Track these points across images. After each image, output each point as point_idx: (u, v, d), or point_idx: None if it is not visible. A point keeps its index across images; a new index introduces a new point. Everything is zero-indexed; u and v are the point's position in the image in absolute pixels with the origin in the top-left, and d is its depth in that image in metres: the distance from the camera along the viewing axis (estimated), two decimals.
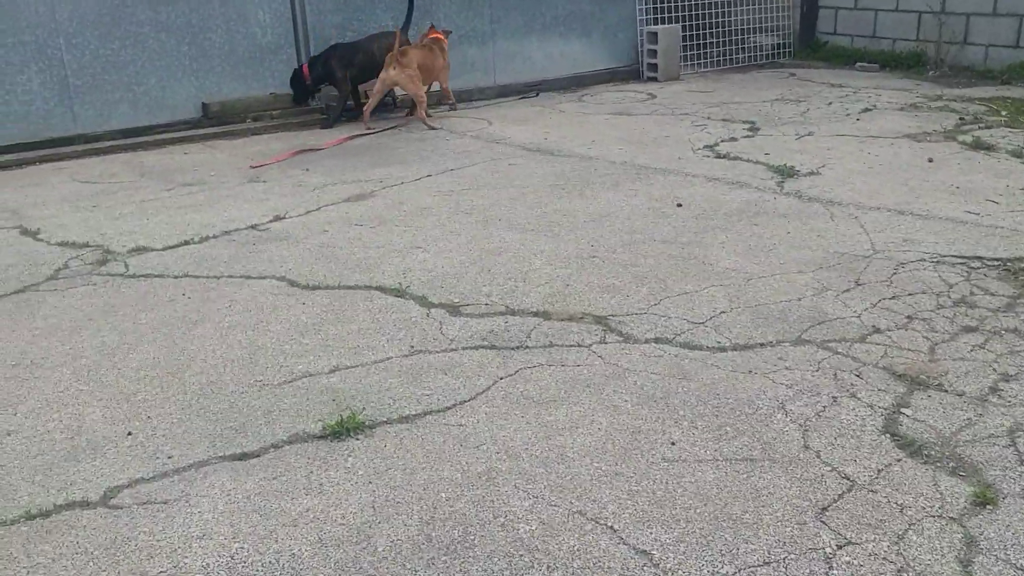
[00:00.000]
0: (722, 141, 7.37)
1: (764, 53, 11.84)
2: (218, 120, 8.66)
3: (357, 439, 3.18)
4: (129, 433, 3.25)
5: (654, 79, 10.76)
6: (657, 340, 3.85)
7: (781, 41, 11.89)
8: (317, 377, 3.62)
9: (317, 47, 9.02)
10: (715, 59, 11.44)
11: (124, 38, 8.32)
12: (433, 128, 8.39)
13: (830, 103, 8.82)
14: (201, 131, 8.48)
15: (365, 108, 8.63)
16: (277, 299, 4.42)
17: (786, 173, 6.31)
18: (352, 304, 4.32)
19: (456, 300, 4.31)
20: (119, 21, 8.28)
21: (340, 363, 3.72)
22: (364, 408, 3.35)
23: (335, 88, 8.75)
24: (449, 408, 3.36)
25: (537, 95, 9.98)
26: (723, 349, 3.77)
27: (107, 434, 3.25)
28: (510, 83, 10.29)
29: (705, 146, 7.24)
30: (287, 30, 9.07)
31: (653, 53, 10.80)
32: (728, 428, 3.20)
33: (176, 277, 4.76)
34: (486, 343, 3.86)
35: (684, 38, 11.10)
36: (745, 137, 7.51)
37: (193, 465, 3.06)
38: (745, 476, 2.92)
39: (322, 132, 8.46)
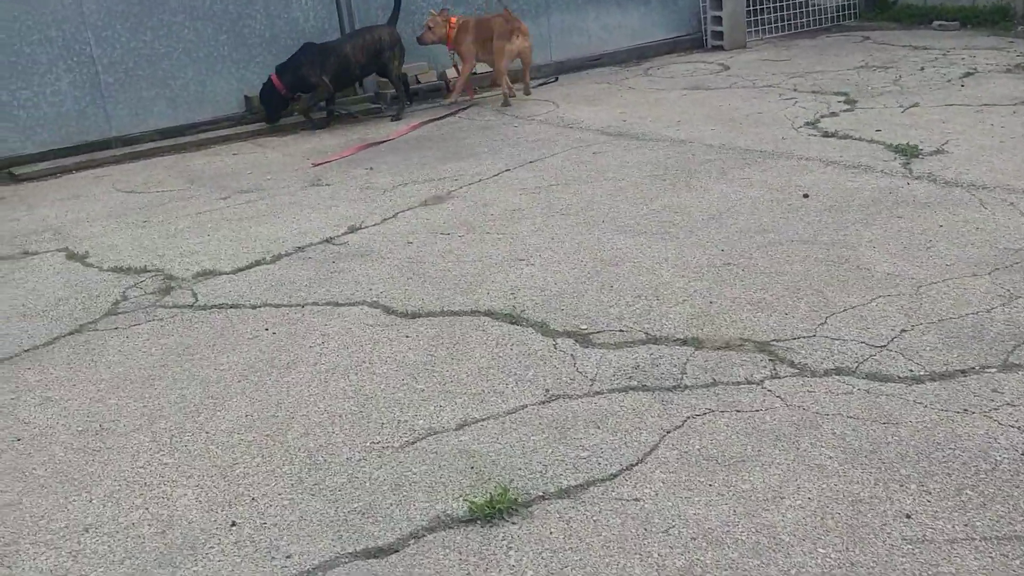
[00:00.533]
0: (822, 117, 6.68)
1: (828, 16, 11.06)
2: (263, 115, 8.03)
3: (513, 523, 2.58)
4: (233, 523, 2.66)
5: (719, 48, 10.04)
6: (839, 371, 3.23)
7: (846, 2, 11.11)
8: (444, 436, 3.02)
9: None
10: (777, 24, 10.68)
11: (157, 29, 7.72)
12: (503, 108, 7.76)
13: (922, 68, 8.09)
14: (247, 128, 7.87)
15: (458, 83, 8.31)
16: (375, 331, 3.82)
17: (908, 153, 5.63)
18: (463, 335, 3.72)
19: (583, 326, 3.69)
20: (150, 10, 7.68)
21: (467, 415, 3.12)
22: (511, 479, 2.75)
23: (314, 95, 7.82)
24: (615, 475, 2.75)
25: (556, 80, 9.18)
26: (920, 380, 3.14)
27: (205, 525, 2.67)
28: (568, 59, 9.60)
29: (806, 123, 6.56)
30: (330, 13, 8.43)
31: (717, 20, 10.08)
32: (970, 492, 2.57)
33: (254, 307, 4.17)
34: (635, 383, 3.25)
35: (746, 2, 10.36)
36: (845, 111, 6.81)
37: (320, 567, 2.47)
38: (1020, 562, 2.30)
39: (377, 123, 7.83)
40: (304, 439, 3.06)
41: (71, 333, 4.08)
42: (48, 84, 7.39)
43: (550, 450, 2.89)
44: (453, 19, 8.10)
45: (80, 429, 3.25)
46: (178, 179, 6.58)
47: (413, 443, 2.99)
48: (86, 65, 7.48)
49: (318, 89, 7.71)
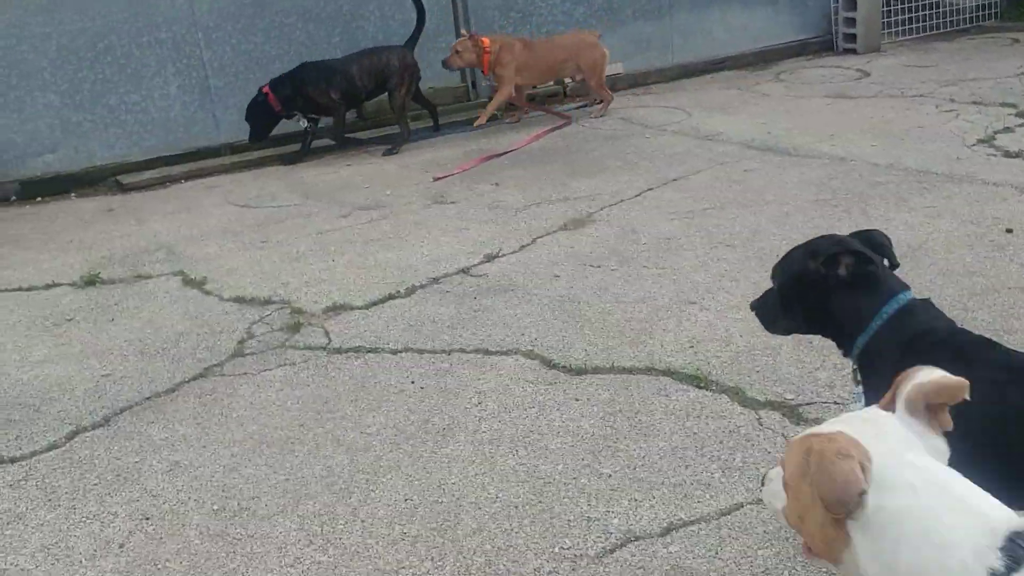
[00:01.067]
0: (996, 133, 5.99)
1: (966, 16, 10.23)
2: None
3: None
4: None
5: (852, 51, 9.32)
6: None
7: (985, 1, 10.27)
8: (648, 544, 2.51)
9: (480, 30, 7.89)
10: (911, 26, 9.90)
11: (268, 30, 7.36)
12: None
13: None
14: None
15: (487, 108, 7.29)
16: (537, 391, 3.33)
17: None
18: (643, 401, 3.20)
19: (788, 396, 3.15)
20: (261, 11, 7.33)
21: (672, 516, 2.61)
22: None
23: (328, 115, 7.08)
24: None
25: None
26: None
27: None
28: (690, 62, 9.00)
29: (979, 140, 5.88)
30: (446, 14, 7.98)
31: (850, 22, 9.37)
32: None
33: (394, 352, 3.72)
34: None
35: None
36: (1021, 126, 6.11)
37: None
38: None
39: (491, 132, 7.35)
40: (478, 538, 2.58)
41: (195, 378, 3.68)
42: (157, 88, 7.09)
43: (787, 573, 2.36)
44: (486, 41, 7.12)
45: (216, 508, 2.83)
46: (292, 192, 6.19)
47: (612, 552, 2.49)
48: (196, 68, 7.17)
49: (336, 110, 6.97)
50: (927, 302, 2.09)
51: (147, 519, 2.80)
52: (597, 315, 3.90)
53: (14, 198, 6.71)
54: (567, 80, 8.17)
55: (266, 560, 2.58)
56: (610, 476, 2.81)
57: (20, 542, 2.74)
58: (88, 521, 2.81)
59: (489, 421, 3.17)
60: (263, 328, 4.07)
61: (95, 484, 3.00)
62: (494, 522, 2.64)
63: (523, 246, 4.78)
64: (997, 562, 1.12)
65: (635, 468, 2.84)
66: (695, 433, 2.99)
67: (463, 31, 7.49)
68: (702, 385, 3.27)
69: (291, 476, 2.96)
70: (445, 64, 7.21)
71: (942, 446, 1.30)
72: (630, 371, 3.42)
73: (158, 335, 4.10)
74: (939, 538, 1.16)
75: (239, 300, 4.40)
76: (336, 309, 4.20)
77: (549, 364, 3.52)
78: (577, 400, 3.25)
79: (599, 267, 4.41)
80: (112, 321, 4.29)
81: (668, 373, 3.37)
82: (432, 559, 2.52)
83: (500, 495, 2.76)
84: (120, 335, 4.13)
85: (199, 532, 2.72)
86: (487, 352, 3.66)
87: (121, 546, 2.69)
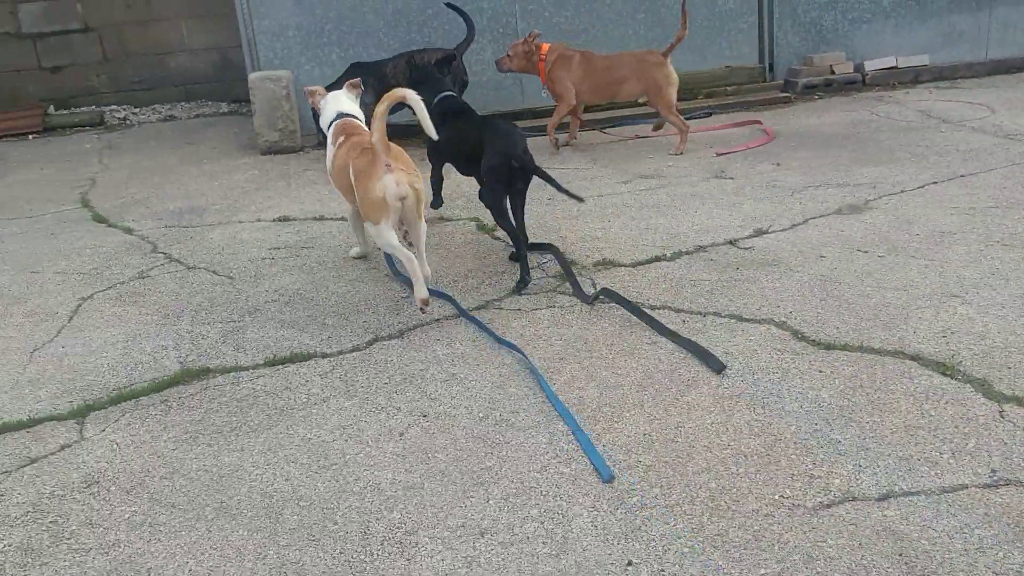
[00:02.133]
0: None
1: None
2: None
3: None
4: (629, 563, 2.50)
5: None
6: None
7: None
8: (864, 505, 2.65)
9: (782, 14, 7.92)
10: None
11: (578, 5, 7.81)
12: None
13: None
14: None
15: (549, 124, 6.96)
16: (783, 358, 3.51)
17: None
18: (884, 380, 3.30)
19: None
20: None
21: (892, 484, 2.73)
22: None
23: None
24: None
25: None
26: None
27: (600, 557, 2.53)
28: (1007, 58, 8.49)
29: None
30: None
31: None
32: None
33: (652, 308, 4.01)
34: None
35: None
36: None
37: None
38: None
39: (784, 112, 7.38)
40: (705, 476, 2.84)
41: (477, 308, 4.17)
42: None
43: (1002, 554, 2.44)
44: (545, 46, 6.76)
45: (481, 416, 3.27)
46: (582, 157, 6.60)
47: (828, 507, 2.66)
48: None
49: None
50: None
51: (424, 416, 3.29)
52: (855, 297, 3.98)
53: None
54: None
55: (517, 464, 2.98)
56: (839, 442, 2.96)
57: (323, 419, 3.32)
58: (377, 411, 3.35)
59: (732, 379, 3.40)
60: (539, 273, 4.50)
61: (385, 383, 3.54)
62: (722, 465, 2.89)
63: (794, 225, 4.90)
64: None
65: (865, 439, 2.97)
66: (931, 415, 3.06)
67: (534, 32, 7.01)
68: (948, 373, 3.31)
69: (546, 400, 3.35)
70: (498, 65, 6.91)
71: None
72: (878, 352, 3.50)
73: (451, 269, 4.65)
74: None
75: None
76: (605, 264, 4.55)
77: (799, 336, 3.68)
78: (820, 372, 3.40)
79: (866, 252, 4.45)
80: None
81: (915, 358, 3.43)
82: (661, 488, 2.81)
83: (732, 443, 3.00)
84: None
85: (465, 432, 3.17)
86: (740, 319, 3.87)
87: (401, 435, 3.19)
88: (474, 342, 3.83)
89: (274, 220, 5.67)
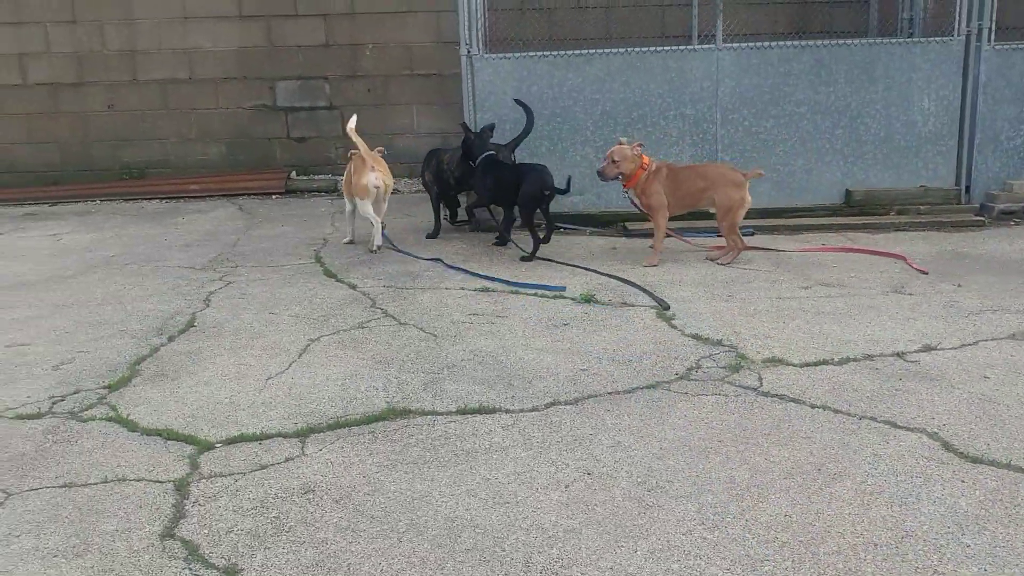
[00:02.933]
0: None
1: None
2: (859, 210, 8.13)
3: None
4: None
5: None
6: None
7: None
8: None
9: (984, 139, 8.04)
10: None
11: (779, 117, 8.20)
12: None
13: None
14: (840, 220, 8.03)
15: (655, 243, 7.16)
16: (927, 465, 3.74)
17: None
18: None
19: None
20: (777, 100, 8.18)
21: None
22: None
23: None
24: None
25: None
26: None
27: None
28: None
29: None
30: (952, 119, 8.22)
31: None
32: None
33: (813, 407, 4.32)
34: None
35: None
36: None
37: None
38: None
39: (975, 236, 7.45)
40: (835, 558, 3.14)
41: (647, 387, 4.60)
42: (673, 155, 8.27)
43: None
44: (646, 159, 6.97)
45: (639, 480, 3.69)
46: (766, 260, 6.94)
47: None
48: (709, 143, 8.23)
49: (428, 189, 8.22)
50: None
51: (588, 474, 3.74)
52: (1012, 418, 4.14)
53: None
54: None
55: (665, 525, 3.37)
56: (969, 546, 3.19)
57: (501, 464, 3.83)
58: (548, 464, 3.83)
59: (876, 479, 3.66)
60: (710, 363, 4.89)
61: (558, 442, 4.02)
62: (852, 551, 3.18)
63: (964, 344, 5.07)
64: None
65: (996, 546, 3.18)
66: None
67: (621, 139, 7.27)
68: None
69: (700, 476, 3.72)
70: (600, 174, 7.03)
71: None
72: None
73: (628, 349, 5.11)
74: None
75: (696, 337, 5.27)
76: (774, 362, 4.88)
77: (948, 447, 3.90)
78: (962, 481, 3.62)
79: None
80: (596, 332, 5.39)
81: None
82: (792, 562, 3.13)
83: (864, 533, 3.28)
84: (599, 344, 5.21)
85: (623, 492, 3.60)
86: (895, 425, 4.12)
87: (567, 487, 3.65)
88: (641, 416, 4.26)
89: (476, 289, 6.32)
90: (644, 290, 6.22)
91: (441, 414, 4.32)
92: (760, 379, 4.66)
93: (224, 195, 10.35)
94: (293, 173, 10.86)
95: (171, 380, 4.83)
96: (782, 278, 6.47)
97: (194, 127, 10.98)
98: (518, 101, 7.92)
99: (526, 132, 7.84)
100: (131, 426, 4.28)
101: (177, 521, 3.48)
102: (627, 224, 8.07)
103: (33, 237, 8.62)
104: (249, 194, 10.35)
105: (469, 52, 8.21)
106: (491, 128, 7.72)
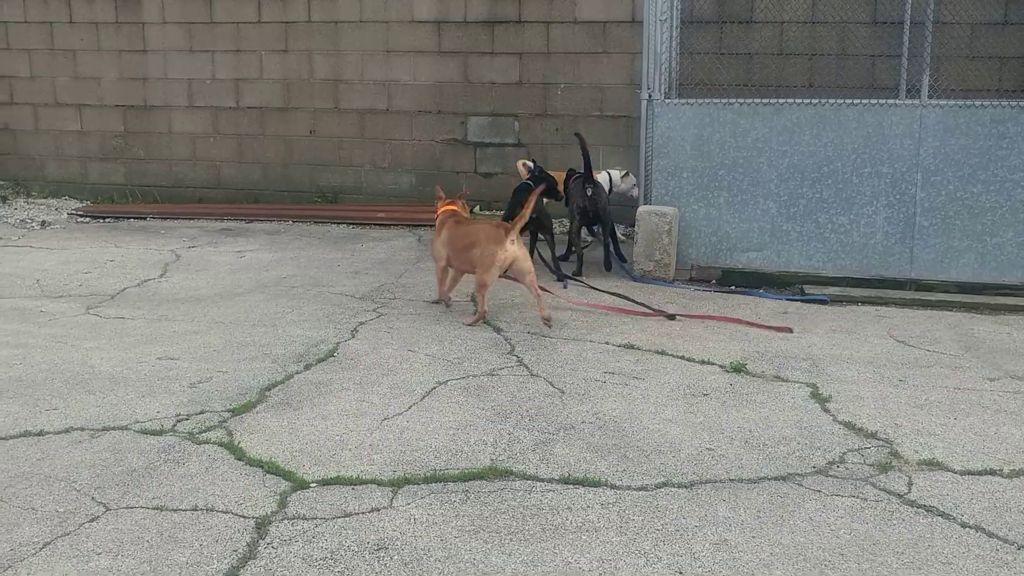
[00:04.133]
0: None
1: None
2: None
3: None
4: None
5: None
6: None
7: None
8: None
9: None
10: None
11: (988, 182, 7.41)
12: None
13: None
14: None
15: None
16: None
17: None
18: None
19: None
20: (987, 164, 7.40)
21: None
22: None
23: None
24: None
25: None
26: None
27: None
28: None
29: None
30: None
31: None
32: None
33: (963, 525, 3.74)
34: None
35: None
36: None
37: None
38: None
39: None
40: None
41: (777, 478, 4.15)
42: (865, 216, 7.64)
43: None
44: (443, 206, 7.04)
45: None
46: (954, 343, 6.23)
47: None
48: (906, 205, 7.55)
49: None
50: None
51: (680, 573, 3.37)
52: None
53: (714, 282, 7.86)
54: None
55: None
56: None
57: (588, 547, 3.52)
58: (638, 555, 3.48)
59: None
60: (856, 458, 4.36)
61: (657, 529, 3.66)
62: None
63: None
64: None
65: None
66: None
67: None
68: None
69: None
70: None
71: None
72: None
73: (766, 431, 4.65)
74: None
75: (848, 426, 4.74)
76: (931, 465, 4.29)
77: None
78: None
79: None
80: (736, 408, 4.96)
81: None
82: None
83: None
84: (735, 421, 4.78)
85: None
86: None
87: None
88: (760, 512, 3.83)
89: (619, 346, 6.01)
90: (641, 304, 6.79)
91: (542, 480, 4.06)
92: (910, 483, 4.10)
93: (408, 225, 10.51)
94: (477, 208, 10.91)
95: (293, 410, 4.83)
96: (968, 364, 5.76)
97: (387, 156, 11.26)
98: (578, 134, 8.28)
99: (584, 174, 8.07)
100: (239, 454, 4.28)
101: (246, 562, 3.40)
102: (805, 287, 7.50)
103: (222, 252, 9.05)
104: (431, 224, 10.46)
105: (650, 96, 7.93)
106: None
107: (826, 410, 4.97)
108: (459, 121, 11.01)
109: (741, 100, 7.81)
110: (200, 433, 4.52)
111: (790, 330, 6.40)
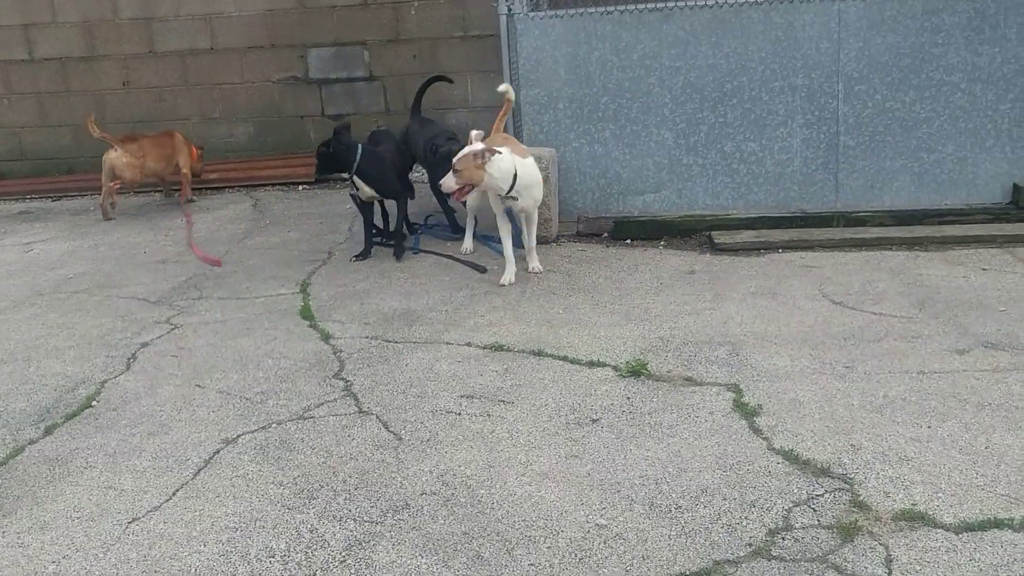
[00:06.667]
0: None
1: None
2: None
3: None
4: None
5: None
6: None
7: None
8: None
9: None
10: None
11: (922, 88, 6.14)
12: None
13: None
14: (1007, 228, 5.91)
15: None
16: None
17: None
18: None
19: None
20: (921, 65, 6.11)
21: None
22: None
23: None
24: None
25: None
26: None
27: None
28: None
29: None
30: None
31: None
32: None
33: None
34: None
35: None
36: None
37: None
38: None
39: None
40: None
41: (699, 573, 2.80)
42: (778, 139, 6.31)
43: None
44: None
45: None
46: (903, 296, 4.97)
47: None
48: (827, 122, 6.24)
49: None
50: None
51: None
52: None
53: (606, 235, 6.46)
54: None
55: None
56: None
57: None
58: None
59: None
60: (806, 517, 3.04)
61: None
62: None
63: None
64: None
65: None
66: None
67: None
68: None
69: None
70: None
71: None
72: None
73: (677, 479, 3.30)
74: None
75: (789, 457, 3.41)
76: (911, 519, 2.99)
77: None
78: None
79: None
80: (636, 440, 3.59)
81: None
82: None
83: None
84: (638, 464, 3.41)
85: None
86: None
87: None
88: None
89: (485, 347, 4.59)
90: (460, 260, 5.97)
91: None
92: (888, 560, 2.80)
93: (247, 185, 8.83)
94: None
95: (0, 517, 3.29)
96: (927, 331, 4.50)
97: (218, 105, 9.49)
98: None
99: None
100: None
101: None
102: (714, 235, 6.15)
103: (4, 247, 7.31)
104: (274, 184, 8.81)
105: (510, 9, 6.37)
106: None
107: (756, 429, 3.64)
108: (298, 55, 9.30)
109: (621, 7, 6.30)
110: None
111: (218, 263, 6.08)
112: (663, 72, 6.31)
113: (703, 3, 6.18)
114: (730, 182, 6.40)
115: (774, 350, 4.37)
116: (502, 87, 5.96)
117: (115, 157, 7.67)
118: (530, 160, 5.45)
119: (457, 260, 5.99)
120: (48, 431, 3.96)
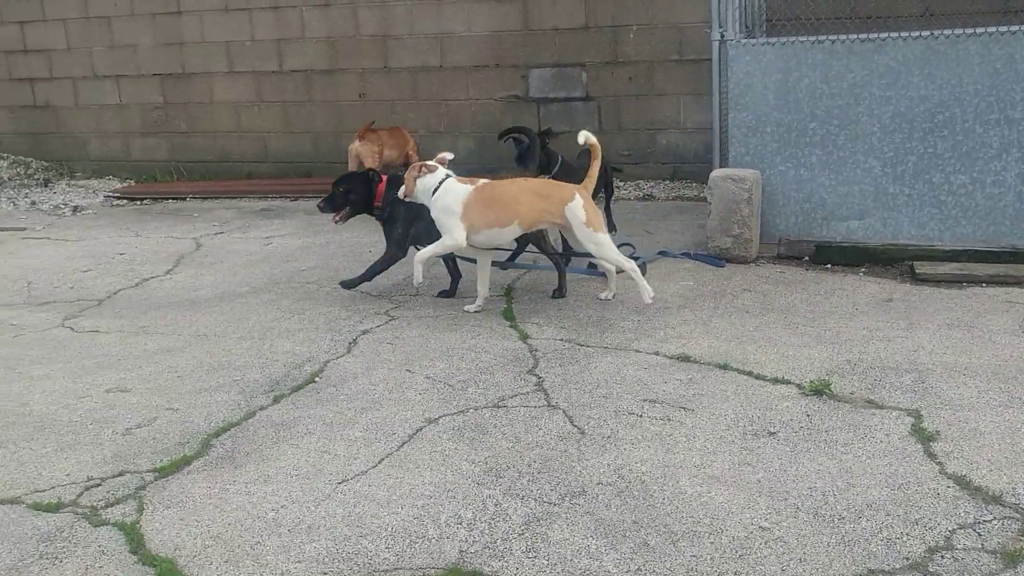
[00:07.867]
0: None
1: None
2: None
3: None
4: None
5: None
6: None
7: None
8: None
9: None
10: None
11: None
12: None
13: None
14: None
15: None
16: None
17: None
18: None
19: None
20: None
21: None
22: None
23: None
24: None
25: None
26: None
27: None
28: None
29: None
30: None
31: None
32: None
33: None
34: None
35: None
36: None
37: None
38: None
39: None
40: None
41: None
42: (991, 173, 6.17)
43: None
44: None
45: None
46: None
47: None
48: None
49: None
50: None
51: None
52: None
53: (807, 258, 6.51)
54: None
55: None
56: None
57: None
58: None
59: None
60: (969, 540, 3.10)
61: None
62: None
63: None
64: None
65: None
66: None
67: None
68: None
69: None
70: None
71: None
72: None
73: (845, 493, 3.42)
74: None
75: (961, 483, 3.46)
76: None
77: None
78: None
79: None
80: (809, 454, 3.73)
81: None
82: None
83: None
84: (809, 476, 3.56)
85: None
86: None
87: None
88: None
89: (672, 357, 4.82)
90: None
91: None
92: None
93: None
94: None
95: (234, 468, 3.86)
96: None
97: (443, 119, 10.16)
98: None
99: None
100: (136, 543, 3.32)
101: None
102: (916, 265, 6.09)
103: (248, 239, 8.19)
104: None
105: (723, 36, 6.57)
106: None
107: (931, 454, 3.69)
108: (520, 75, 9.83)
109: (832, 37, 6.36)
110: (105, 508, 3.57)
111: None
112: (872, 101, 6.31)
113: (916, 34, 6.14)
114: (937, 213, 6.30)
115: (962, 380, 4.36)
116: (582, 136, 5.45)
117: (358, 145, 8.75)
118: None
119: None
120: (276, 400, 4.53)
